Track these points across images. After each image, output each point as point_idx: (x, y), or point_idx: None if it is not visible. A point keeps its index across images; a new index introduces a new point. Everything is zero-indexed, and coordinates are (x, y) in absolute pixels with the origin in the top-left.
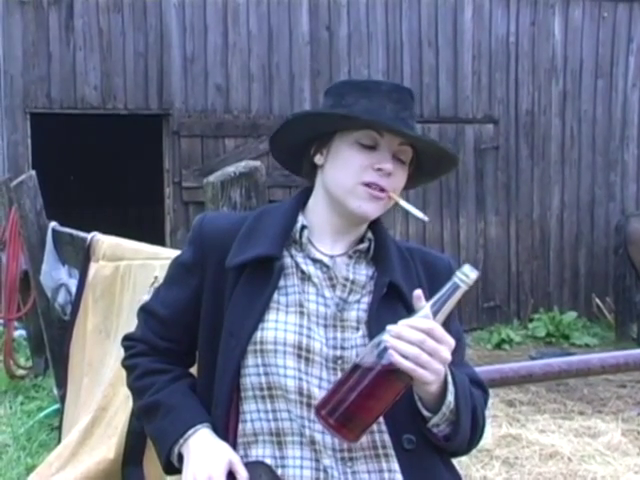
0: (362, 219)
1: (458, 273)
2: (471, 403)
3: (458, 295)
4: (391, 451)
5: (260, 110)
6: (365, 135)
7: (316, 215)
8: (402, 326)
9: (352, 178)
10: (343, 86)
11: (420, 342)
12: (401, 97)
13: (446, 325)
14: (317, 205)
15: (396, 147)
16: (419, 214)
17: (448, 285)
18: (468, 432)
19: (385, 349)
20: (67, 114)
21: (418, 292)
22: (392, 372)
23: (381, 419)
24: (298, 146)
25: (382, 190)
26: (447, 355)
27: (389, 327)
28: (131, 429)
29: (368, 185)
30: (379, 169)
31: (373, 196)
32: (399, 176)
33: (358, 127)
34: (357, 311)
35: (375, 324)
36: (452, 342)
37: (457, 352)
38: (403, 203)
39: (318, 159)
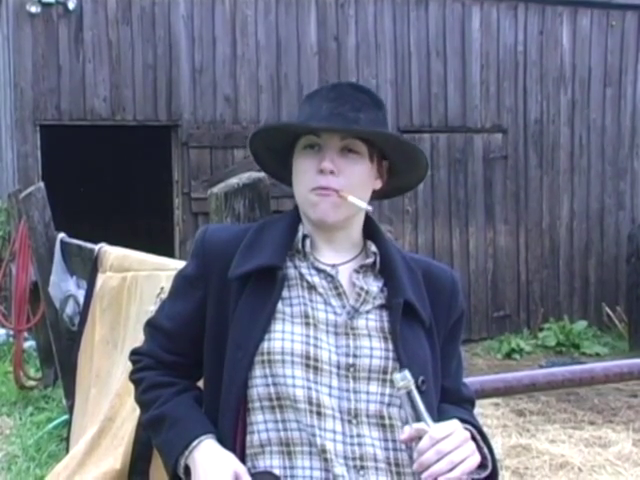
0: (323, 226)
1: (397, 386)
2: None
3: (415, 396)
4: (407, 470)
5: (269, 121)
6: (305, 140)
7: (306, 227)
8: (419, 458)
9: (304, 187)
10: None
11: (437, 454)
12: (339, 94)
13: (451, 350)
14: (303, 217)
15: (339, 143)
16: (366, 206)
17: (403, 400)
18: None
19: None
20: (76, 126)
21: (403, 437)
22: None
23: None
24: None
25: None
26: (464, 444)
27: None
28: (137, 439)
29: (315, 190)
30: (320, 171)
31: (321, 195)
32: (350, 172)
33: (302, 135)
34: (366, 320)
35: (401, 344)
36: (456, 432)
37: (457, 372)
38: (351, 199)
39: None
